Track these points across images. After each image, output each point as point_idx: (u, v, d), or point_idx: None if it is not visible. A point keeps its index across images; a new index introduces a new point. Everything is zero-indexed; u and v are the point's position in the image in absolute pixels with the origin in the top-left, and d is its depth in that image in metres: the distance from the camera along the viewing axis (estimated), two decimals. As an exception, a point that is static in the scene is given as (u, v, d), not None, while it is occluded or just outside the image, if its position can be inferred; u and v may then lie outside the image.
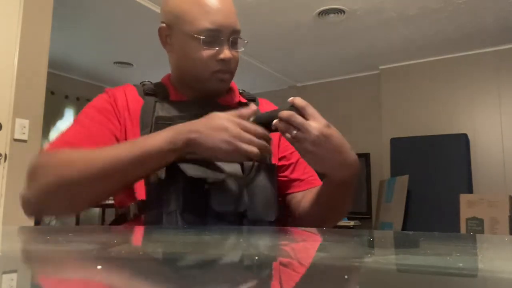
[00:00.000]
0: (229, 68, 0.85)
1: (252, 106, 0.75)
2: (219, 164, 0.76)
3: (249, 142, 0.69)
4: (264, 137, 0.71)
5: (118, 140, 0.82)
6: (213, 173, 0.75)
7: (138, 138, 0.77)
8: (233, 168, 0.78)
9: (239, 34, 0.86)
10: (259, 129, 0.70)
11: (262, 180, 0.82)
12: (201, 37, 0.80)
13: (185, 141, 0.69)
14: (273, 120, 0.70)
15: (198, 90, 0.88)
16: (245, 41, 0.89)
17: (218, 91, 0.88)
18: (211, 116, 0.72)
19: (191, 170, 0.73)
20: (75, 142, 0.78)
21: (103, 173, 0.70)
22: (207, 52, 0.82)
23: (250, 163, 0.79)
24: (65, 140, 0.80)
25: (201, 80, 0.85)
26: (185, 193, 0.74)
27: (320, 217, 0.86)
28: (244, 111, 0.73)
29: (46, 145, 0.81)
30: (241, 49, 0.88)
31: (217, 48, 0.82)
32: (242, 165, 0.80)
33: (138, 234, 0.65)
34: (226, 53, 0.83)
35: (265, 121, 0.71)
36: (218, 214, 0.75)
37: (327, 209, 0.85)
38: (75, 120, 0.84)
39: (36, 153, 0.77)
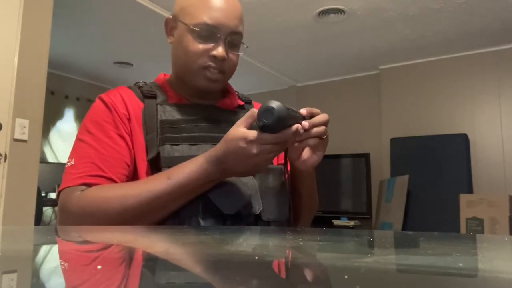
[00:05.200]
0: (220, 67, 0.84)
1: (251, 110, 0.73)
2: None
3: (271, 155, 0.70)
4: (280, 144, 0.70)
5: (131, 151, 0.81)
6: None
7: (169, 170, 0.75)
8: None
9: (239, 37, 0.86)
10: (273, 139, 0.68)
11: (273, 181, 0.83)
12: (197, 29, 0.81)
13: (220, 173, 0.72)
14: (281, 128, 0.67)
15: (190, 87, 0.88)
16: (245, 46, 0.89)
17: (207, 89, 0.87)
18: (230, 141, 0.69)
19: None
20: (99, 164, 0.78)
21: (140, 211, 0.72)
22: (200, 46, 0.82)
23: None
24: (87, 170, 0.77)
25: (190, 74, 0.85)
26: (205, 198, 0.75)
27: (303, 208, 0.91)
28: (248, 120, 0.70)
29: (69, 174, 0.77)
30: (240, 53, 0.88)
31: (212, 45, 0.82)
32: None
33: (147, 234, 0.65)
34: (219, 50, 0.82)
35: (272, 131, 0.67)
36: (234, 216, 0.76)
37: (308, 199, 0.90)
38: (82, 141, 0.81)
39: (66, 196, 0.75)
